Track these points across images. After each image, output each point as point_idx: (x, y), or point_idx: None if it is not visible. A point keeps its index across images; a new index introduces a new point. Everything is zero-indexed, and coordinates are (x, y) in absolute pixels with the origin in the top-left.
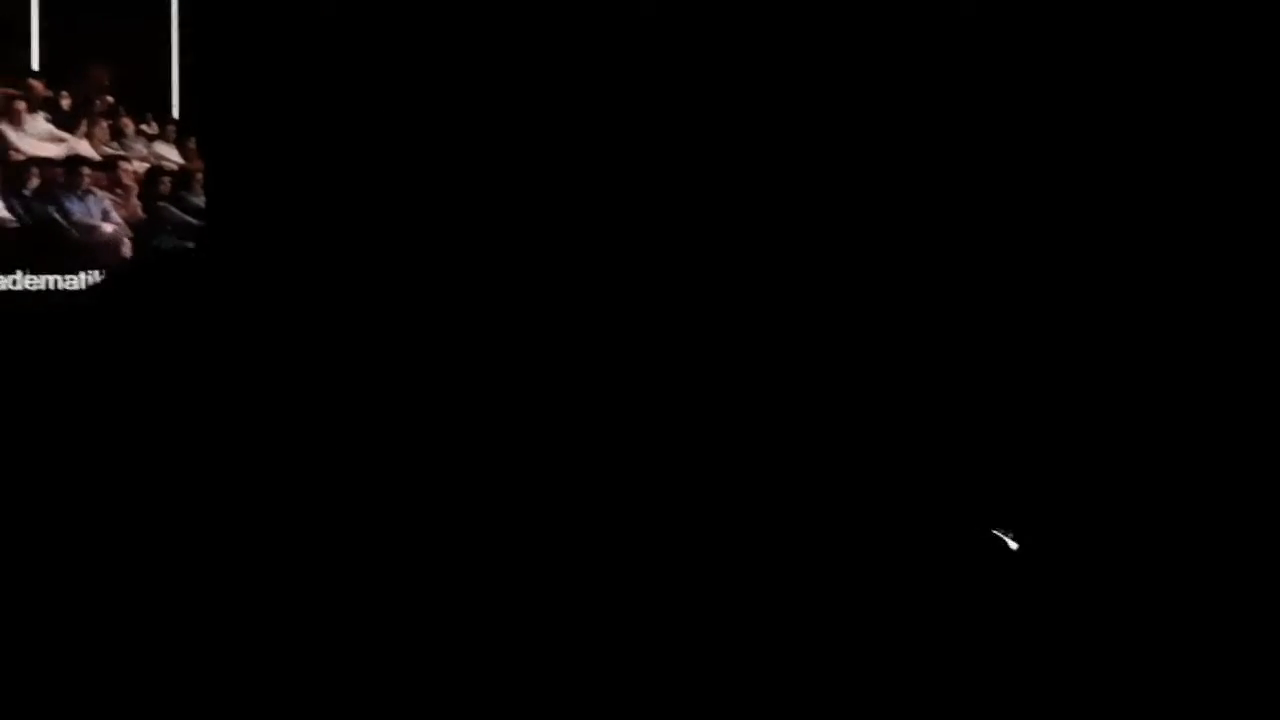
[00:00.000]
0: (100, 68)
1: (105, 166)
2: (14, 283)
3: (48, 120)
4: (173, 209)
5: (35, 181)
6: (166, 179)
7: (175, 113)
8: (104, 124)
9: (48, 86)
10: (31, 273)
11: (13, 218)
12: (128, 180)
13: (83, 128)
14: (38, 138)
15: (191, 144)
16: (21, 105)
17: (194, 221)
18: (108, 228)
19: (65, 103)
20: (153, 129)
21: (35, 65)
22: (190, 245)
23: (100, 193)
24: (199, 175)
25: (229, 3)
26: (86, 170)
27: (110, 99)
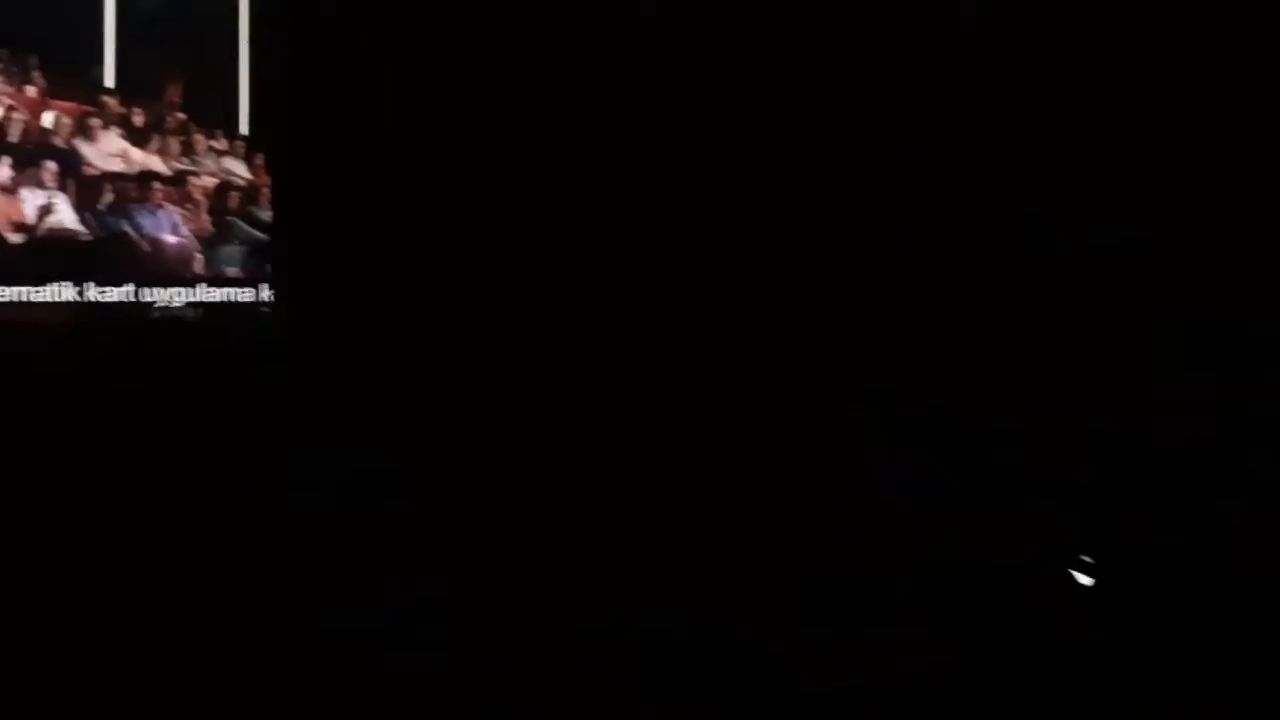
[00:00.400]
0: (172, 85)
1: (176, 181)
2: (83, 294)
3: (121, 136)
4: (240, 223)
5: (108, 196)
6: (235, 194)
7: (244, 129)
8: (175, 140)
9: (121, 104)
10: (104, 285)
11: (86, 231)
12: (197, 195)
13: (154, 144)
14: (111, 153)
15: (259, 160)
16: (96, 122)
17: (261, 235)
18: (178, 241)
19: (138, 119)
20: (222, 145)
21: (109, 83)
22: (256, 258)
23: (171, 207)
24: (266, 190)
25: (296, 24)
26: (157, 185)
27: (181, 116)
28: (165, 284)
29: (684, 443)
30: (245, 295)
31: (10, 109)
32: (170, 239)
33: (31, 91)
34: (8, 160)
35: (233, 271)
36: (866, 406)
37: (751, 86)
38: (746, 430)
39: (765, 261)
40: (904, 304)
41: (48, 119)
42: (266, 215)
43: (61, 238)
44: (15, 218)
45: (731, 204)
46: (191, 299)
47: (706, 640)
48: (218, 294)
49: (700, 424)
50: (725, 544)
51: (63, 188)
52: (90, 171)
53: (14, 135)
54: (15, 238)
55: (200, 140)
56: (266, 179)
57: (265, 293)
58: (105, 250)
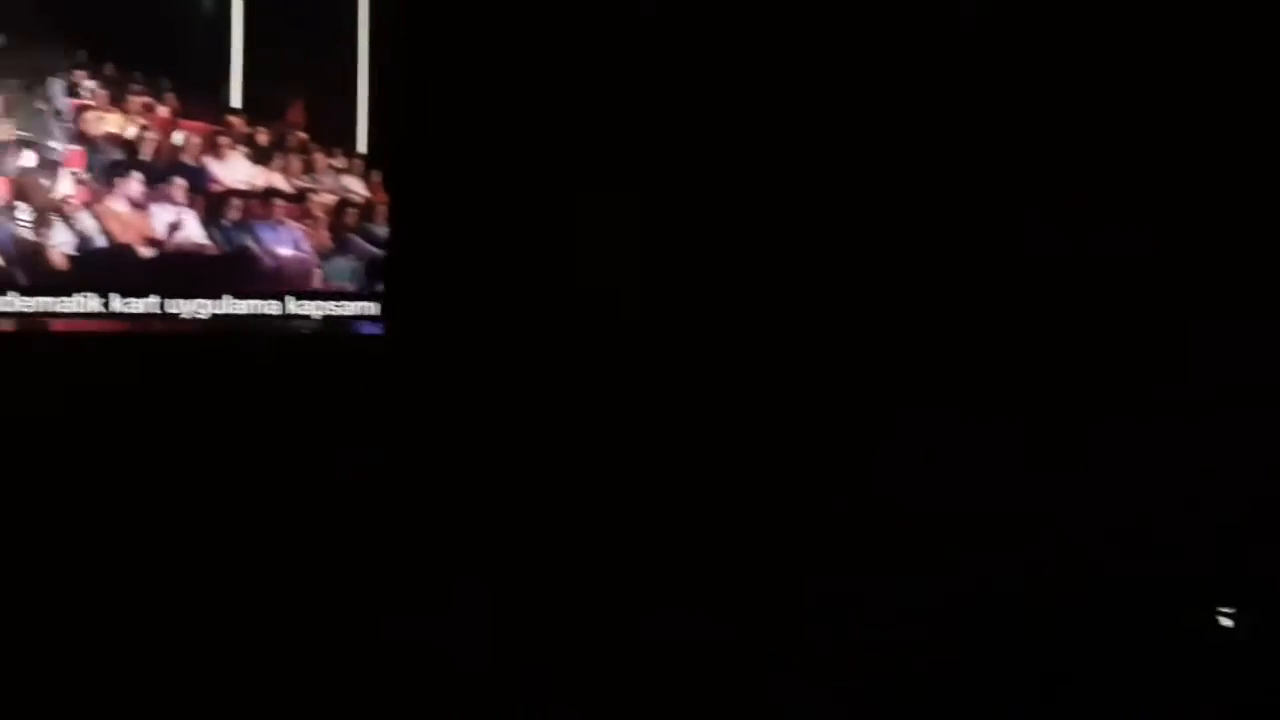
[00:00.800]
0: (295, 106)
1: (297, 198)
2: (214, 307)
3: (246, 155)
4: (358, 239)
5: (233, 212)
6: (353, 210)
7: (362, 148)
8: (296, 158)
9: (247, 123)
10: (229, 297)
11: (212, 246)
12: (317, 211)
13: (277, 162)
14: (237, 171)
15: (376, 178)
16: (224, 141)
17: (377, 251)
18: (298, 256)
19: (262, 138)
20: (341, 163)
21: (236, 104)
22: (373, 273)
23: (292, 223)
24: (382, 207)
25: (412, 48)
26: (280, 202)
27: (303, 135)
28: (285, 297)
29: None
30: (360, 309)
31: (144, 128)
32: (291, 254)
33: (163, 112)
34: (140, 177)
35: (349, 286)
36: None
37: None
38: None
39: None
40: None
41: (178, 138)
42: (382, 231)
43: (189, 252)
44: (146, 233)
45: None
46: (309, 312)
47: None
48: (334, 307)
49: None
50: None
51: (191, 204)
52: (217, 188)
53: (146, 154)
54: (146, 252)
55: (320, 158)
56: (383, 196)
57: (379, 307)
58: (230, 264)
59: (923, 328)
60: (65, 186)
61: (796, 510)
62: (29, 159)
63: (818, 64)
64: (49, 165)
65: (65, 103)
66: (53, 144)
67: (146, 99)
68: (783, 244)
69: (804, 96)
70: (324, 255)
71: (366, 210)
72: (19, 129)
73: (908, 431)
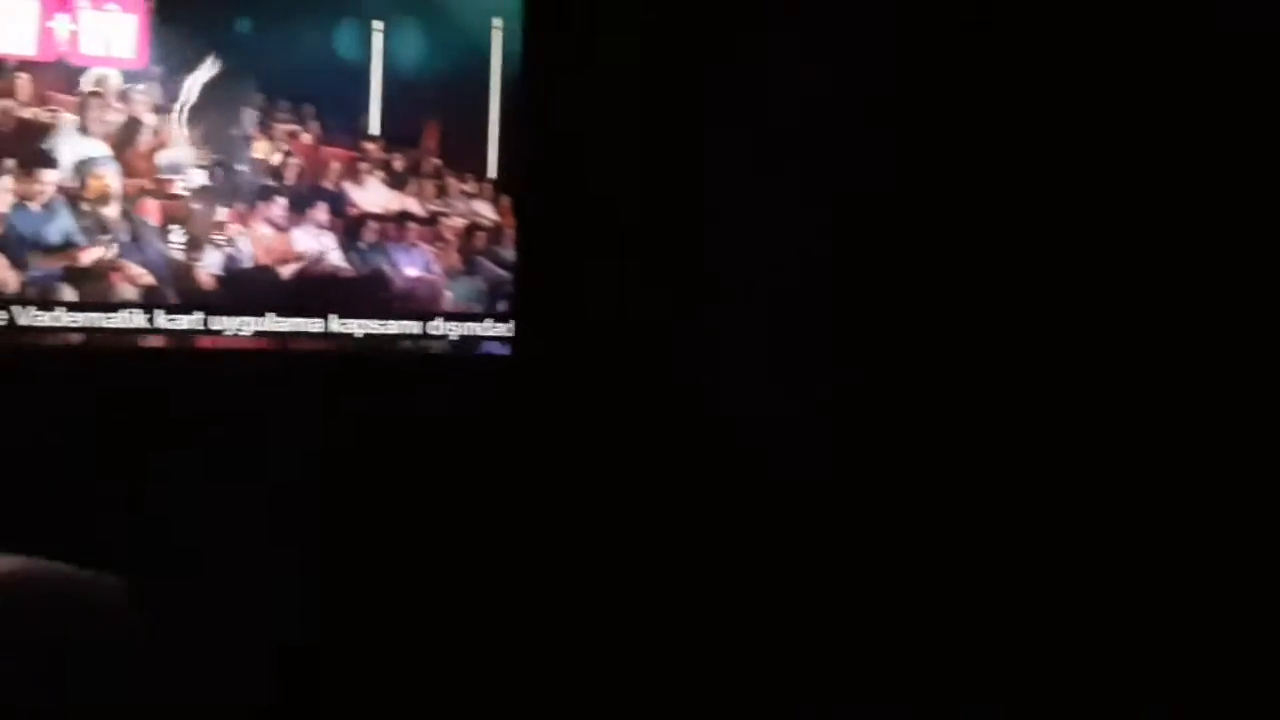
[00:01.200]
0: (429, 132)
1: (429, 222)
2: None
3: (382, 180)
4: (486, 262)
5: (369, 235)
6: (482, 234)
7: (491, 173)
8: (430, 183)
9: (384, 150)
10: (363, 317)
11: (349, 267)
12: (448, 235)
13: (411, 186)
14: (373, 195)
15: (504, 202)
16: (362, 166)
17: (505, 274)
18: (429, 278)
19: (397, 164)
20: (471, 188)
21: (374, 130)
22: (499, 295)
23: (424, 246)
24: (510, 231)
25: (541, 80)
26: (413, 225)
27: (436, 160)
28: (416, 318)
29: None
30: (487, 330)
31: (288, 154)
32: (423, 275)
33: (307, 139)
34: (284, 201)
35: (477, 307)
36: None
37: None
38: None
39: None
40: None
41: (319, 164)
42: (510, 255)
43: (327, 273)
44: (288, 254)
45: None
46: (439, 332)
47: None
48: (462, 329)
49: None
50: None
51: (330, 227)
52: (354, 212)
53: (290, 179)
54: (286, 272)
55: (453, 183)
56: (511, 221)
57: (506, 328)
58: (365, 285)
59: None
60: (217, 210)
61: None
62: (193, 182)
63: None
64: (204, 190)
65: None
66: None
67: (292, 127)
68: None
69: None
70: (453, 277)
71: (495, 234)
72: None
73: None
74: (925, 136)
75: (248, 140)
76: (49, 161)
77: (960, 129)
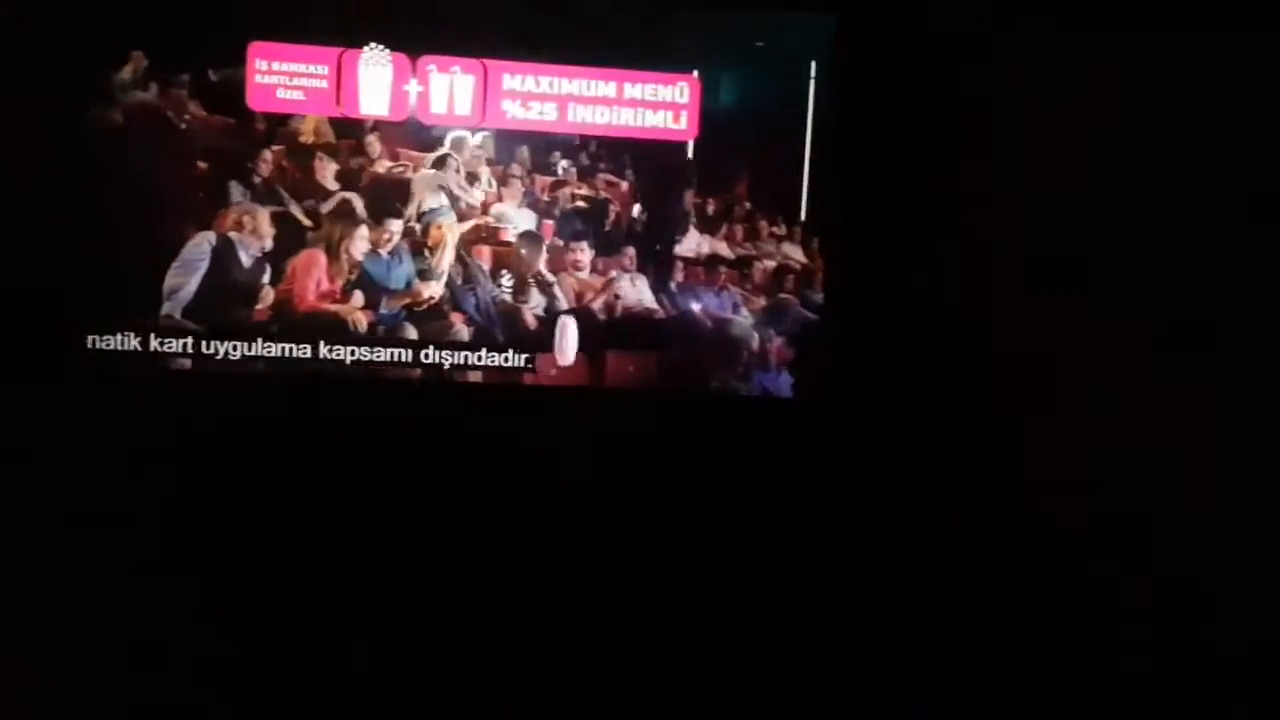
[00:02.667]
0: (742, 179)
1: (739, 265)
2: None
3: (694, 224)
4: (795, 304)
5: (679, 277)
6: (791, 276)
7: (802, 216)
8: (740, 227)
9: (696, 194)
10: (671, 358)
11: (660, 309)
12: (757, 278)
13: (722, 230)
14: (686, 239)
15: (814, 244)
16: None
17: (812, 316)
18: (737, 320)
19: (710, 209)
20: (781, 231)
21: (688, 178)
22: (807, 339)
23: (733, 288)
24: (819, 273)
25: (852, 128)
26: (723, 268)
27: (748, 205)
28: (725, 361)
29: None
30: (796, 372)
31: (607, 202)
32: (731, 318)
33: (624, 187)
34: (601, 245)
35: (786, 351)
36: None
37: None
38: None
39: None
40: None
41: (636, 209)
42: (818, 297)
43: (640, 315)
44: (605, 297)
45: None
46: (744, 374)
47: None
48: (772, 371)
49: None
50: None
51: (642, 270)
52: (666, 255)
53: (607, 224)
54: (602, 314)
55: (764, 227)
56: (820, 263)
57: (813, 371)
58: (676, 327)
59: None
60: (541, 256)
61: None
62: (520, 229)
63: None
64: (530, 237)
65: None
66: (536, 219)
67: (610, 176)
68: None
69: None
70: (762, 319)
71: (804, 276)
72: (517, 204)
73: None
74: None
75: (568, 187)
76: (396, 212)
77: None
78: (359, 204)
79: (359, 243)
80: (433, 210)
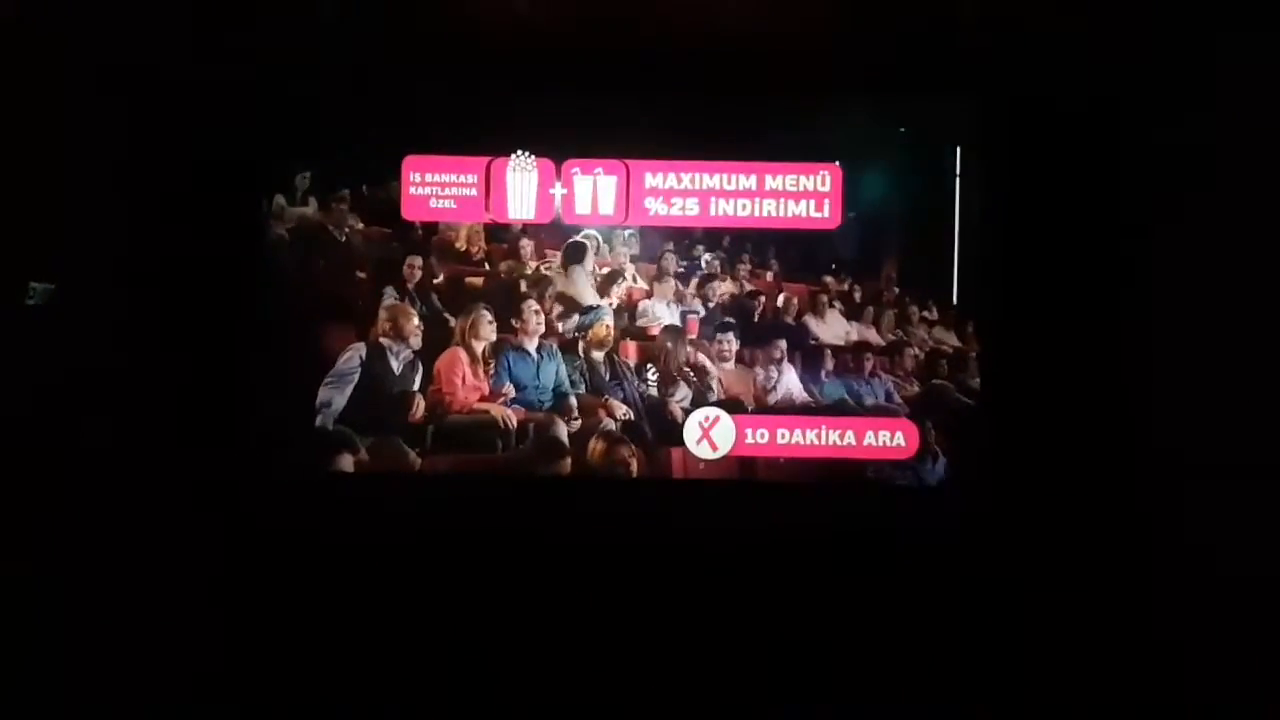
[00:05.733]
0: (890, 264)
1: (889, 351)
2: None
3: (841, 312)
4: (950, 389)
5: (828, 365)
6: (944, 361)
7: (954, 300)
8: (890, 313)
9: (841, 281)
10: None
11: (809, 398)
12: (909, 363)
13: (869, 316)
14: (833, 327)
15: (969, 328)
16: (822, 300)
17: (968, 401)
18: (890, 407)
19: (857, 295)
20: (933, 315)
21: (834, 265)
22: (967, 425)
23: (884, 375)
24: (974, 357)
25: (1001, 209)
26: (871, 355)
27: (896, 290)
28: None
29: None
30: (952, 461)
31: (753, 293)
32: (883, 405)
33: (769, 277)
34: (748, 337)
35: (942, 438)
36: None
37: None
38: None
39: None
40: None
41: (780, 300)
42: (974, 382)
43: (788, 404)
44: (752, 388)
45: None
46: (900, 462)
47: None
48: (929, 460)
49: None
50: None
51: (790, 359)
52: (813, 344)
53: (755, 315)
54: (751, 405)
55: (914, 312)
56: (974, 347)
57: (969, 457)
58: (826, 416)
59: None
60: (686, 350)
61: None
62: (665, 323)
63: None
64: (673, 330)
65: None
66: (680, 312)
67: (754, 267)
68: None
69: None
70: (915, 406)
71: (957, 360)
72: (666, 302)
73: None
74: None
75: (715, 281)
76: (538, 311)
77: None
78: (498, 305)
79: (491, 334)
80: (594, 309)
